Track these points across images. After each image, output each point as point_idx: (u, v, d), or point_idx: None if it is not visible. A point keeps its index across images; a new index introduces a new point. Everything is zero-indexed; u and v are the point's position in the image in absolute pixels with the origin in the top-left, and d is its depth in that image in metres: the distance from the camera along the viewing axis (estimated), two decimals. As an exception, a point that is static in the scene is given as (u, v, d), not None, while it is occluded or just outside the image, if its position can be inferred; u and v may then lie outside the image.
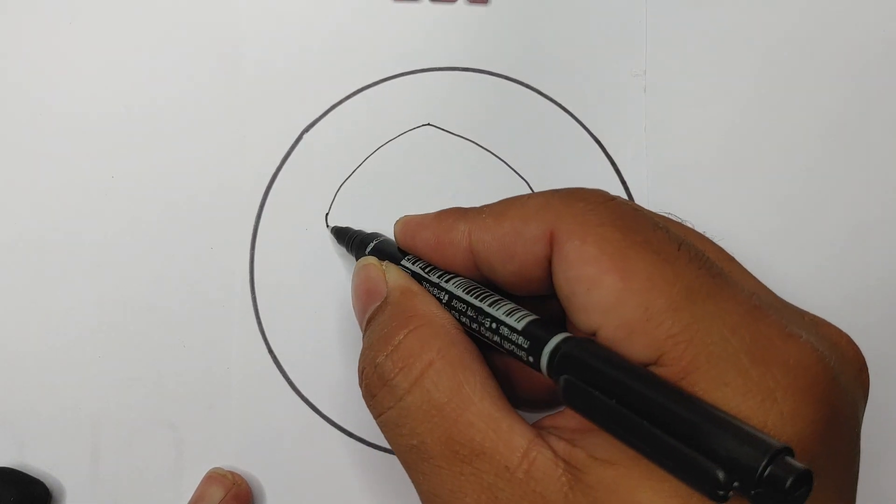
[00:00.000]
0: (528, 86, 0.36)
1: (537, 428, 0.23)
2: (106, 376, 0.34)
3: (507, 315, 0.24)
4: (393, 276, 0.27)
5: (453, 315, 0.25)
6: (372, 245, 0.30)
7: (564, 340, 0.22)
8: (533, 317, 0.23)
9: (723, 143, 0.36)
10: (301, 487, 0.33)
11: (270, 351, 0.34)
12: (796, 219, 0.36)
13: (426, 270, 0.27)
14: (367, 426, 0.34)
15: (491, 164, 0.36)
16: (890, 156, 0.36)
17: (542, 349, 0.22)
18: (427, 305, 0.25)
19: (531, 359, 0.22)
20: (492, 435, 0.21)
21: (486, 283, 0.26)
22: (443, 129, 0.36)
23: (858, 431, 0.22)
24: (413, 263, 0.27)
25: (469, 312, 0.25)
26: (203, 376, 0.34)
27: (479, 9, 0.36)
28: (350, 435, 0.34)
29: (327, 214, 0.35)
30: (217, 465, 0.33)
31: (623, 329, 0.21)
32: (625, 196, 0.36)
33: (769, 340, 0.20)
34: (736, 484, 0.17)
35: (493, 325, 0.24)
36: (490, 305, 0.24)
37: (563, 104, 0.36)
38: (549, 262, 0.23)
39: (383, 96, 0.36)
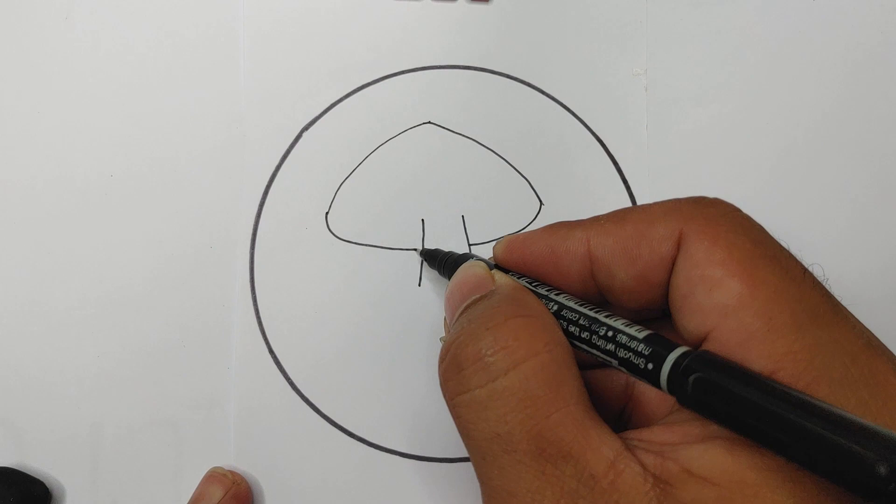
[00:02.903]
0: (529, 84, 0.36)
1: (624, 439, 0.22)
2: (106, 376, 0.34)
3: (625, 325, 0.23)
4: (502, 276, 0.26)
5: (561, 324, 0.25)
6: (468, 262, 0.29)
7: (688, 351, 0.21)
8: (649, 330, 0.23)
9: (723, 141, 0.36)
10: (301, 487, 0.33)
11: (270, 350, 0.34)
12: (797, 217, 0.36)
13: (533, 285, 0.26)
14: (367, 426, 0.34)
15: (491, 162, 0.36)
16: (891, 154, 0.36)
17: (665, 357, 0.21)
18: (538, 304, 0.25)
19: (650, 366, 0.22)
20: (581, 440, 0.21)
21: (595, 301, 0.26)
22: (443, 127, 0.36)
23: None
24: (518, 278, 0.27)
25: (581, 321, 0.24)
26: (203, 376, 0.34)
27: (480, 7, 0.36)
28: (350, 434, 0.34)
29: (327, 213, 0.35)
30: (217, 465, 0.33)
31: (740, 334, 0.21)
32: (626, 193, 0.36)
33: (884, 377, 0.20)
34: (893, 486, 0.16)
35: (609, 334, 0.23)
36: (605, 317, 0.24)
37: (564, 102, 0.36)
38: (673, 263, 0.23)
39: (384, 94, 0.36)
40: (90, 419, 0.34)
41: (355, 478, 0.33)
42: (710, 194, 0.35)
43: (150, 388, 0.34)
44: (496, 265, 0.28)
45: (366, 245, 0.35)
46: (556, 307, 0.25)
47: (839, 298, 0.34)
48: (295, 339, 0.34)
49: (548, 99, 0.36)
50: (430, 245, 0.35)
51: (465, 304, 0.25)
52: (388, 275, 0.34)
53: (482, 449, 0.22)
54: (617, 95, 0.36)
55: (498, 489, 0.21)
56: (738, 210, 0.24)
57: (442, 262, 0.32)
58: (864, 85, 0.36)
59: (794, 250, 0.35)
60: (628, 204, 0.35)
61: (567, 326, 0.25)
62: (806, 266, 0.22)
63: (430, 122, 0.36)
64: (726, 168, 0.36)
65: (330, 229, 0.35)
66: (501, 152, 0.36)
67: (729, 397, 0.20)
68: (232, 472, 0.33)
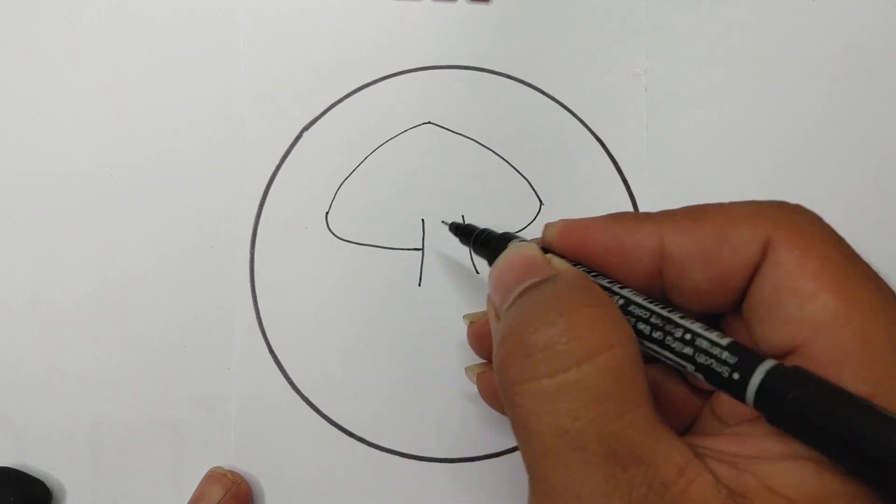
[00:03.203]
0: (529, 84, 0.36)
1: (691, 445, 0.21)
2: (106, 376, 0.34)
3: (703, 329, 0.22)
4: (562, 262, 0.24)
5: (629, 321, 0.23)
6: (515, 242, 0.27)
7: (778, 365, 0.20)
8: (731, 338, 0.21)
9: (723, 141, 0.36)
10: (301, 487, 0.33)
11: (271, 350, 0.34)
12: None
13: (592, 275, 0.24)
14: (368, 426, 0.34)
15: (491, 163, 0.36)
16: (890, 154, 0.36)
17: (755, 367, 0.20)
18: (606, 296, 0.23)
19: (736, 376, 0.20)
20: (653, 444, 0.19)
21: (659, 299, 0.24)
22: (443, 128, 0.36)
23: None
24: (573, 265, 0.25)
25: (653, 320, 0.22)
26: (203, 375, 0.34)
27: (480, 7, 0.36)
28: (350, 434, 0.34)
29: (327, 213, 0.35)
30: (217, 465, 0.33)
31: (835, 352, 0.20)
32: (626, 193, 0.36)
33: None
34: None
35: (687, 336, 0.22)
36: (680, 318, 0.22)
37: (564, 102, 0.36)
38: (756, 269, 0.22)
39: (384, 94, 0.36)
40: (90, 419, 0.34)
41: (355, 478, 0.33)
42: (711, 194, 0.35)
43: (151, 388, 0.34)
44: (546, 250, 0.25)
45: (366, 245, 0.35)
46: (622, 301, 0.23)
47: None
48: (295, 339, 0.34)
49: (548, 99, 0.36)
50: (430, 244, 0.35)
51: (523, 286, 0.23)
52: (388, 275, 0.34)
53: (545, 444, 0.20)
54: (617, 95, 0.36)
55: (559, 489, 0.20)
56: (823, 220, 0.23)
57: (478, 239, 0.29)
58: (863, 85, 0.36)
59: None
60: (628, 205, 0.35)
61: (636, 324, 0.23)
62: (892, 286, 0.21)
63: (429, 123, 0.36)
64: (726, 168, 0.36)
65: (330, 229, 0.35)
66: (501, 152, 0.36)
67: (829, 420, 0.18)
68: (232, 472, 0.33)
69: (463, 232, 0.31)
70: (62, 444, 0.33)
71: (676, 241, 0.23)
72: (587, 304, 0.21)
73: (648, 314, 0.22)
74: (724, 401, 0.24)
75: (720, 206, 0.23)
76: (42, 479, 0.33)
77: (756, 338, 0.22)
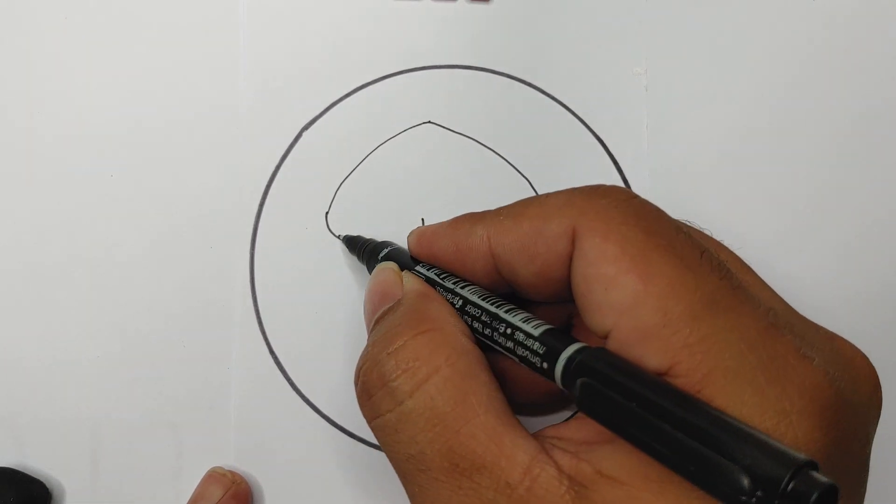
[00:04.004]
0: (529, 84, 0.36)
1: (542, 438, 0.22)
2: (106, 376, 0.34)
3: (523, 322, 0.23)
4: (410, 281, 0.27)
5: (465, 320, 0.25)
6: (384, 253, 0.30)
7: (581, 349, 0.21)
8: (548, 325, 0.23)
9: (724, 141, 0.36)
10: (301, 487, 0.33)
11: (271, 350, 0.34)
12: (799, 218, 0.36)
13: (441, 277, 0.27)
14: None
15: (492, 162, 0.36)
16: (891, 154, 0.36)
17: (559, 356, 0.22)
18: (441, 311, 0.25)
19: (545, 365, 0.22)
20: (494, 449, 0.21)
21: (504, 294, 0.26)
22: (443, 127, 0.36)
23: (869, 451, 0.22)
24: (428, 270, 0.27)
25: (483, 318, 0.24)
26: (203, 376, 0.34)
27: (480, 7, 0.36)
28: (350, 435, 0.34)
29: (327, 213, 0.35)
30: (217, 465, 0.33)
31: (638, 332, 0.20)
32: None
33: (785, 360, 0.20)
34: (759, 493, 0.17)
35: (508, 331, 0.23)
36: (506, 312, 0.24)
37: (565, 102, 0.36)
38: (569, 260, 0.23)
39: (384, 94, 0.36)
40: (90, 419, 0.34)
41: (356, 478, 0.33)
42: (711, 194, 0.36)
43: (150, 388, 0.34)
44: (412, 257, 0.29)
45: (366, 245, 0.35)
46: (461, 302, 0.25)
47: (841, 301, 0.33)
48: (295, 339, 0.34)
49: (548, 98, 0.36)
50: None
51: (378, 315, 0.26)
52: (388, 275, 0.34)
53: (401, 469, 0.23)
54: (617, 95, 0.36)
55: None
56: (634, 197, 0.23)
57: (361, 250, 0.32)
58: (864, 85, 0.36)
59: (796, 250, 0.35)
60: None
61: (472, 323, 0.25)
62: (704, 248, 0.22)
63: (430, 122, 0.36)
64: (727, 168, 0.36)
65: (330, 229, 0.35)
66: (501, 152, 0.36)
67: (610, 403, 0.20)
68: (231, 472, 0.33)
69: (351, 244, 0.33)
70: (62, 444, 0.33)
71: (501, 242, 0.25)
72: (416, 332, 0.23)
73: (480, 312, 0.24)
74: None
75: (539, 199, 0.25)
76: (41, 479, 0.33)
77: (586, 324, 0.23)
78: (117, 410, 0.34)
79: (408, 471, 0.22)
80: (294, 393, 0.34)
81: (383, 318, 0.25)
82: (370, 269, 0.31)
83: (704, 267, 0.21)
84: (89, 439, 0.33)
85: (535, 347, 0.22)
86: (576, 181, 0.35)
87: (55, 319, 0.34)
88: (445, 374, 0.22)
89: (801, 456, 0.17)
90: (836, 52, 0.37)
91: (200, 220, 0.35)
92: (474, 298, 0.25)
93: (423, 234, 0.28)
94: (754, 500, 0.17)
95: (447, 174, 0.35)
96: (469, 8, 0.36)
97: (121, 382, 0.34)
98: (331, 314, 0.34)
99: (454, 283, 0.26)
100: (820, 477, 0.17)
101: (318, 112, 0.36)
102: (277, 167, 0.35)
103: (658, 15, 0.36)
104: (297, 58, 0.36)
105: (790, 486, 0.17)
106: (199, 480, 0.33)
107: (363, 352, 0.25)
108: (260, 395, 0.34)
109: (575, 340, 0.22)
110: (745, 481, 0.17)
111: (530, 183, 0.36)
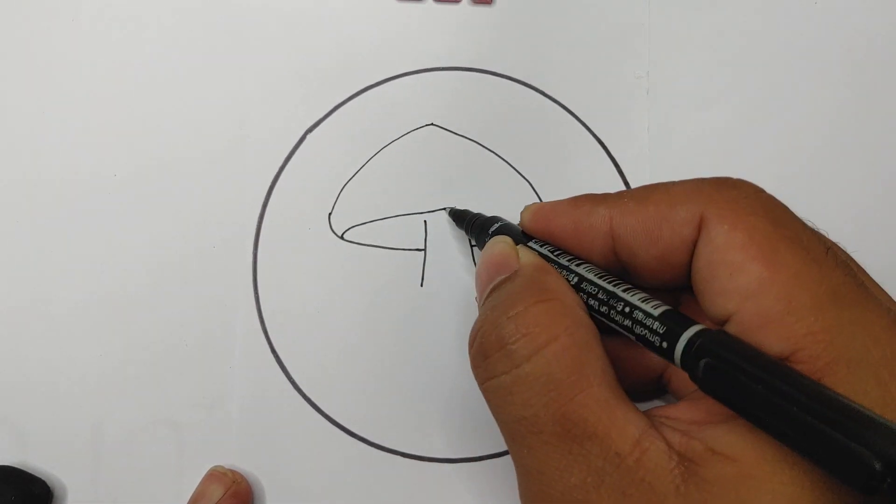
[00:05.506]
0: (531, 86, 0.36)
1: (651, 416, 0.22)
2: (107, 375, 0.34)
3: (642, 301, 0.23)
4: (526, 254, 0.27)
5: (581, 297, 0.25)
6: (496, 227, 0.30)
7: (702, 331, 0.21)
8: (667, 307, 0.23)
9: (725, 144, 0.36)
10: (302, 486, 0.33)
11: (273, 350, 0.34)
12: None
13: (555, 254, 0.27)
14: (369, 426, 0.34)
15: (494, 165, 0.36)
16: (892, 155, 0.36)
17: (679, 336, 0.22)
18: (559, 284, 0.25)
19: (665, 344, 0.22)
20: (606, 420, 0.21)
21: (617, 273, 0.26)
22: (446, 129, 0.36)
23: None
24: (541, 246, 0.27)
25: (600, 295, 0.24)
26: (205, 375, 0.34)
27: (483, 9, 0.36)
28: (351, 434, 0.34)
29: (330, 214, 0.35)
30: (218, 464, 0.33)
31: (760, 318, 0.21)
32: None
33: None
34: (890, 479, 0.17)
35: (626, 310, 0.24)
36: (623, 291, 0.24)
37: (567, 105, 0.36)
38: (694, 246, 0.23)
39: (387, 96, 0.36)
40: (92, 418, 0.34)
41: (357, 477, 0.33)
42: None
43: (153, 388, 0.34)
44: (523, 231, 0.29)
45: (368, 245, 0.35)
46: (576, 279, 0.25)
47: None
48: (297, 339, 0.34)
49: (550, 101, 0.36)
50: (433, 245, 0.35)
51: (491, 286, 0.26)
52: (390, 275, 0.35)
53: (511, 431, 0.23)
54: (619, 98, 0.36)
55: (529, 468, 0.22)
56: (761, 191, 0.24)
57: (470, 224, 0.32)
58: (866, 86, 0.37)
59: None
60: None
61: (587, 300, 0.25)
62: (829, 245, 0.22)
63: (432, 124, 0.36)
64: (728, 171, 0.36)
65: (333, 230, 0.35)
66: (504, 154, 0.36)
67: (735, 383, 0.20)
68: (232, 471, 0.33)
69: (459, 217, 0.33)
70: (63, 443, 0.33)
71: (624, 222, 0.25)
72: (536, 300, 0.24)
73: (597, 290, 0.25)
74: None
75: (665, 186, 0.25)
76: (43, 478, 0.33)
77: (703, 309, 0.23)
78: (119, 409, 0.34)
79: (518, 432, 0.23)
80: (296, 392, 0.34)
81: (500, 286, 0.25)
82: (478, 243, 0.31)
83: (830, 261, 0.22)
84: (91, 438, 0.33)
85: (654, 327, 0.22)
86: (577, 184, 0.36)
87: (58, 319, 0.34)
88: (564, 342, 0.23)
89: None
90: (837, 53, 0.37)
91: (204, 221, 0.35)
92: (591, 276, 0.25)
93: (539, 209, 0.28)
94: (885, 485, 0.17)
95: (450, 176, 0.36)
96: (472, 11, 0.36)
97: (123, 381, 0.34)
98: (333, 314, 0.34)
99: (569, 261, 0.26)
100: None
101: (322, 114, 0.36)
102: (281, 168, 0.35)
103: (660, 19, 0.37)
104: (301, 60, 0.36)
105: None
106: (199, 479, 0.33)
107: (480, 316, 0.25)
108: (262, 395, 0.34)
109: (695, 322, 0.22)
110: (878, 466, 0.17)
111: (532, 185, 0.36)
